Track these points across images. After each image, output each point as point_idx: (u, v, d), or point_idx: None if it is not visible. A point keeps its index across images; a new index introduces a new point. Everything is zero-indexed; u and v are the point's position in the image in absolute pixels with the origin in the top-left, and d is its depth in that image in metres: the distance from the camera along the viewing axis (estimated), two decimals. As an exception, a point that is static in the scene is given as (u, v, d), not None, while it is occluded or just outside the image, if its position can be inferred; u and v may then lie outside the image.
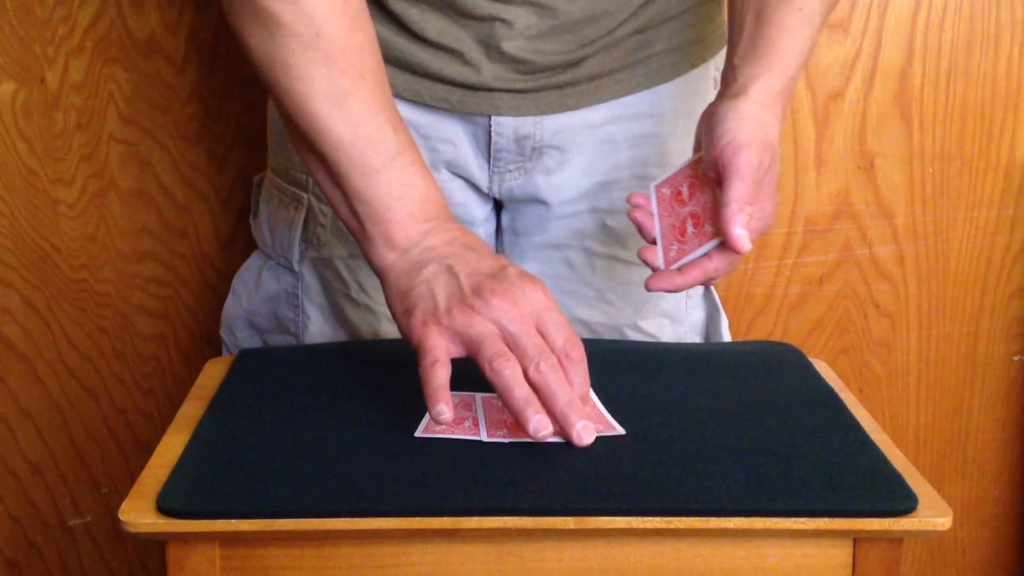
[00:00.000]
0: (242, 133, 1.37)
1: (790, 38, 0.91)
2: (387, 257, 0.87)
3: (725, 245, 0.87)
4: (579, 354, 0.83)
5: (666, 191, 0.93)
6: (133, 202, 1.38)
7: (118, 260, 1.40)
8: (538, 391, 0.80)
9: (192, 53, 1.34)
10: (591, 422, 0.81)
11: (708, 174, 0.89)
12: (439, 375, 0.81)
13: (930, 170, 1.43)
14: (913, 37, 1.38)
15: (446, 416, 0.80)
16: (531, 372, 0.80)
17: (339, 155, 0.87)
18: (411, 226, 0.86)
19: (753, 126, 0.87)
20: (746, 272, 1.45)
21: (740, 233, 0.84)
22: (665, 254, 0.91)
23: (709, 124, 0.89)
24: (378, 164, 0.87)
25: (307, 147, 0.89)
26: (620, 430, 0.85)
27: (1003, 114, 1.41)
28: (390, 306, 0.87)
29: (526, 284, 0.83)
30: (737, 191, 0.85)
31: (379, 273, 0.88)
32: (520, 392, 0.80)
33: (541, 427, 0.79)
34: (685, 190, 0.91)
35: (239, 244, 1.40)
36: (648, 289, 0.90)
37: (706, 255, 0.89)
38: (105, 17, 1.32)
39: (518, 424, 0.81)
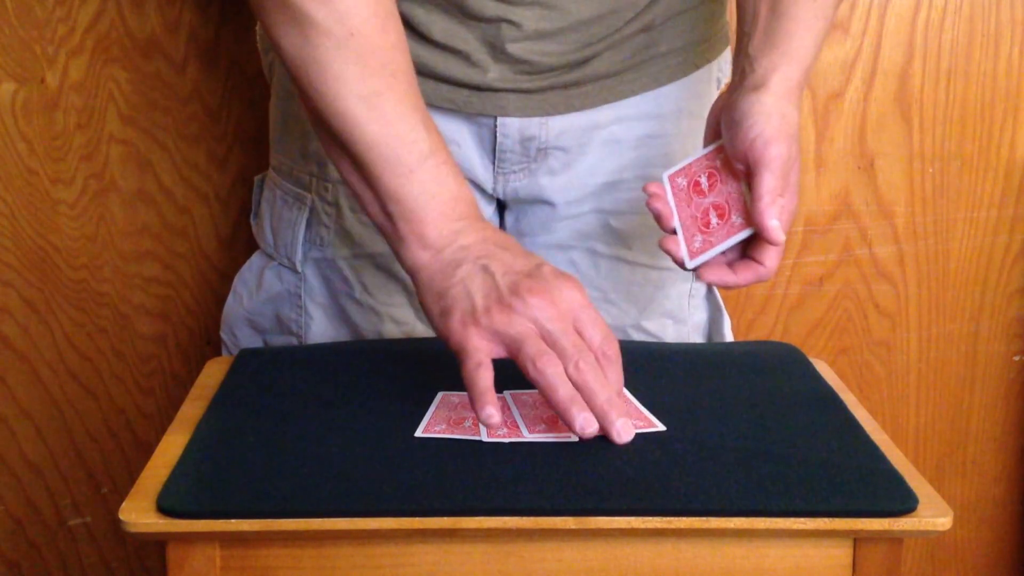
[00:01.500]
0: (242, 133, 1.37)
1: (806, 30, 0.92)
2: (421, 257, 0.86)
3: (758, 239, 0.88)
4: (615, 352, 0.83)
5: (681, 181, 0.93)
6: (133, 202, 1.38)
7: (118, 260, 1.40)
8: (579, 389, 0.80)
9: (192, 53, 1.34)
10: (630, 419, 0.82)
11: (734, 166, 0.89)
12: (484, 377, 0.81)
13: (930, 170, 1.43)
14: (913, 37, 1.38)
15: (495, 420, 0.81)
16: (571, 370, 0.80)
17: (372, 155, 0.86)
18: (444, 225, 0.86)
19: (779, 119, 0.87)
20: (746, 272, 1.45)
21: (775, 225, 0.85)
22: (688, 245, 0.91)
23: (731, 117, 0.89)
24: (411, 163, 0.86)
25: (338, 148, 0.89)
26: (660, 426, 0.86)
27: (1003, 114, 1.41)
28: (424, 306, 0.87)
29: (562, 282, 0.83)
30: (769, 184, 0.86)
31: (412, 272, 0.87)
32: (564, 391, 0.80)
33: (587, 425, 0.80)
34: (704, 180, 0.91)
35: (239, 244, 1.40)
36: (701, 279, 0.91)
37: (752, 256, 0.90)
38: (105, 17, 1.32)
39: (559, 421, 0.82)
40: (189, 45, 1.34)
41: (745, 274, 0.90)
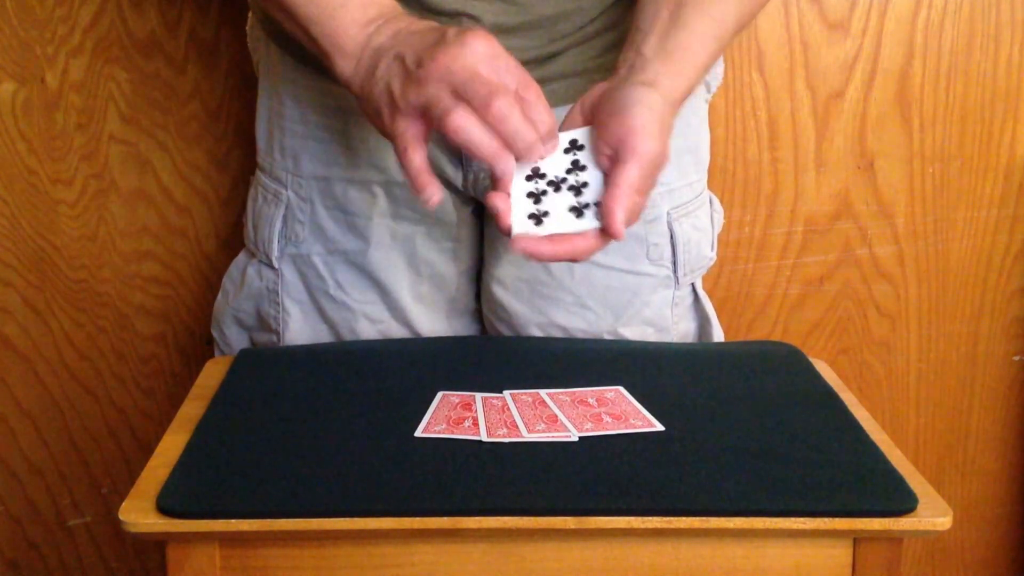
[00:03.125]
0: (242, 133, 1.37)
1: (701, 48, 0.92)
2: (345, 68, 0.88)
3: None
4: (535, 92, 0.82)
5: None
6: (133, 202, 1.38)
7: (118, 260, 1.40)
8: (498, 132, 0.80)
9: (192, 53, 1.34)
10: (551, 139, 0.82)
11: (602, 152, 0.86)
12: (413, 160, 0.83)
13: (930, 170, 1.43)
14: (913, 37, 1.38)
15: (435, 198, 0.82)
16: (485, 115, 0.80)
17: None
18: (357, 32, 0.87)
19: (659, 122, 0.86)
20: (746, 272, 1.45)
21: (620, 217, 0.83)
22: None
23: (615, 104, 0.86)
24: None
25: None
26: (659, 426, 0.85)
27: (1003, 114, 1.41)
28: (369, 119, 0.88)
29: (466, 38, 0.82)
30: (631, 176, 0.84)
31: (346, 87, 0.89)
32: (485, 143, 0.81)
33: (505, 164, 0.81)
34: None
35: (239, 244, 1.39)
36: (513, 247, 0.86)
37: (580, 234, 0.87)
38: (105, 17, 1.32)
39: (559, 421, 0.81)
40: (189, 45, 1.34)
41: (562, 247, 0.86)
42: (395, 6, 0.90)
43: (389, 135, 0.86)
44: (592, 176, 0.85)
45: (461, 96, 0.81)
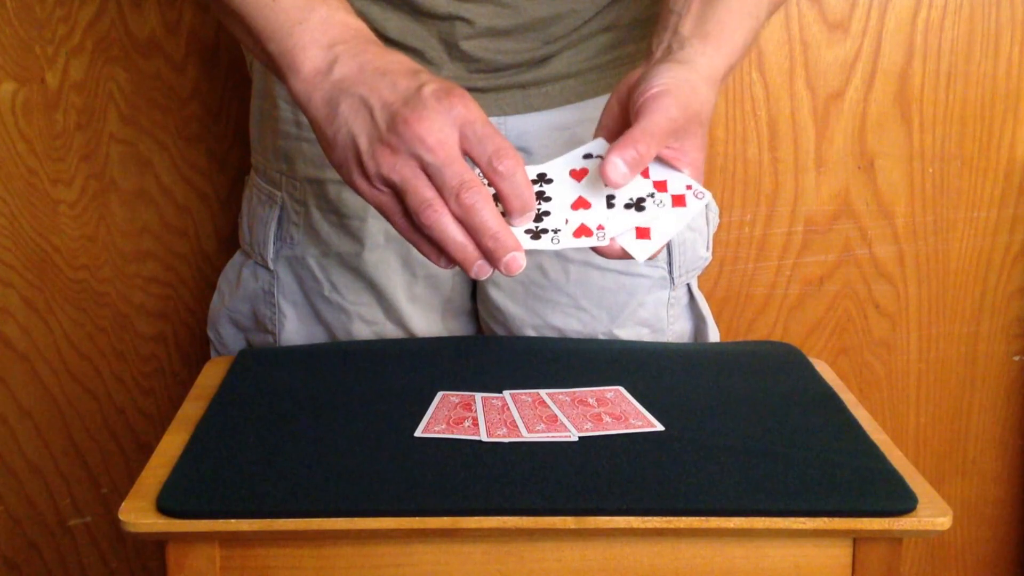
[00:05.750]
0: (242, 133, 1.37)
1: (738, 26, 0.88)
2: (300, 91, 0.83)
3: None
4: (509, 165, 0.78)
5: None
6: (133, 202, 1.38)
7: (118, 260, 1.40)
8: (463, 225, 0.77)
9: (192, 53, 1.34)
10: (521, 251, 0.78)
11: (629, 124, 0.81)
12: (404, 229, 0.80)
13: (930, 170, 1.43)
14: (913, 37, 1.38)
15: (443, 263, 0.80)
16: (453, 207, 0.77)
17: None
18: (315, 53, 0.82)
19: (689, 89, 0.81)
20: (746, 272, 1.45)
21: (615, 161, 0.76)
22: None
23: (644, 81, 0.82)
24: None
25: (215, 2, 0.87)
26: (659, 426, 0.85)
27: (1003, 114, 1.41)
28: (327, 156, 0.83)
29: (442, 101, 0.78)
30: (643, 125, 0.78)
31: (301, 108, 0.84)
32: (453, 242, 0.78)
33: (481, 272, 0.78)
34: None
35: (239, 244, 1.40)
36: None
37: None
38: (105, 17, 1.32)
39: (558, 421, 0.81)
40: (189, 45, 1.34)
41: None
42: (359, 27, 0.85)
43: (358, 193, 0.82)
44: (556, 206, 0.82)
45: (430, 178, 0.78)
